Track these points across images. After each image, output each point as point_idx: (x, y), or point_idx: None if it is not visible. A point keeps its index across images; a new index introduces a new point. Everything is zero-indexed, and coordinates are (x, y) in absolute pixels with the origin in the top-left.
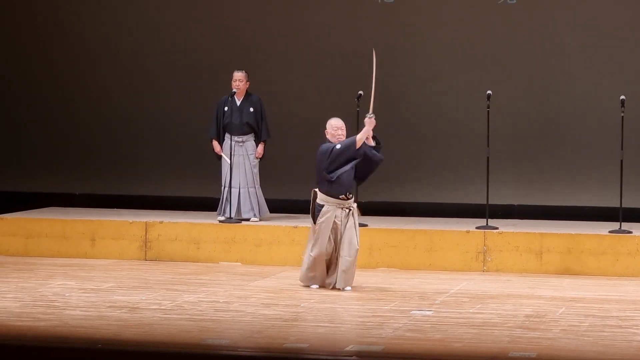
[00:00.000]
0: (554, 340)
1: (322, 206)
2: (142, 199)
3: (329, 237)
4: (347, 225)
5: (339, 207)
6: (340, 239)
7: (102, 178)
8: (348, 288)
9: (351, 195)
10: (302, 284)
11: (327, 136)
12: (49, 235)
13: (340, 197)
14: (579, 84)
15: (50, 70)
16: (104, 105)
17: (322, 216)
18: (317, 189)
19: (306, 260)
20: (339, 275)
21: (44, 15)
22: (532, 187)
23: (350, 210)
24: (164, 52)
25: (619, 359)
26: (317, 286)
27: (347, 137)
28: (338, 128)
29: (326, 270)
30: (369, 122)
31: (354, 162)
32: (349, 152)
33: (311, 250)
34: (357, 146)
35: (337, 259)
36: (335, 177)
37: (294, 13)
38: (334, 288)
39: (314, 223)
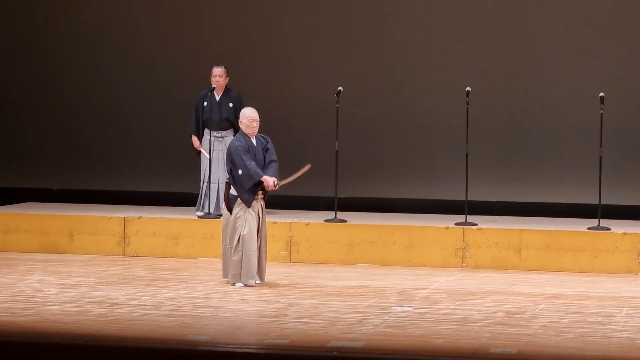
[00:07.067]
0: (534, 336)
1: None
2: (120, 194)
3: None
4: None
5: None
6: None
7: (80, 173)
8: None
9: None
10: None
11: (240, 126)
12: (27, 231)
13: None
14: (558, 81)
15: (28, 67)
16: (82, 101)
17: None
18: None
19: None
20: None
21: (22, 14)
22: (511, 183)
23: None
24: (142, 48)
25: (599, 355)
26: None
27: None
28: (253, 120)
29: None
30: (272, 186)
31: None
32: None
33: None
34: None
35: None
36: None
37: (274, 10)
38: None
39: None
